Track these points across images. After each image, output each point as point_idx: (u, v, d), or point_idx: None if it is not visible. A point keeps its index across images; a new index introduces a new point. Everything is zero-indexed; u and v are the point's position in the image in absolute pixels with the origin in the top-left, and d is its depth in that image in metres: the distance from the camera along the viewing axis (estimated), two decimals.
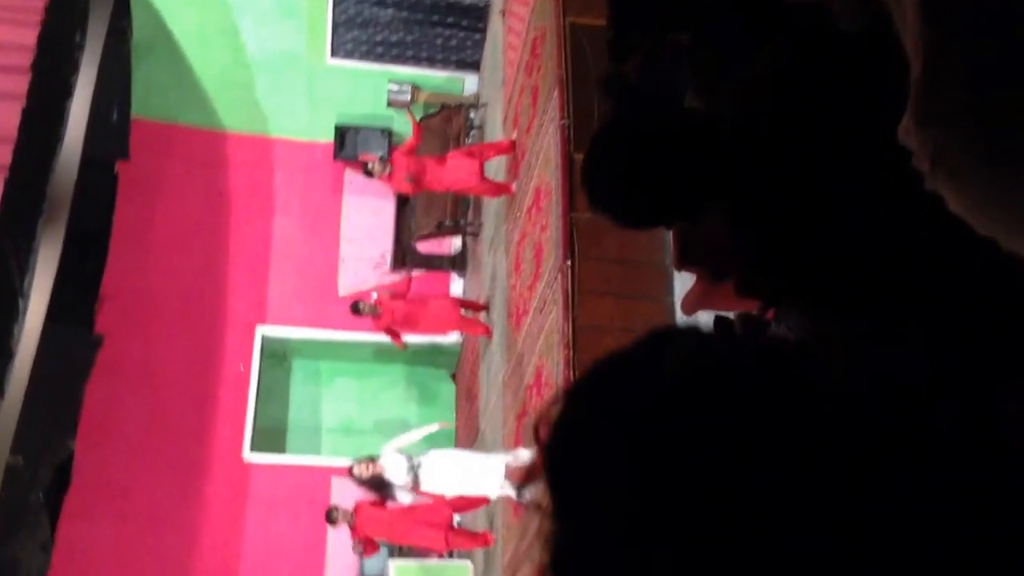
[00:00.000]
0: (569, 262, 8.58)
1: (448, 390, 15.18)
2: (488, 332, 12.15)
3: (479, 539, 10.95)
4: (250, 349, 14.55)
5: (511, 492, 9.45)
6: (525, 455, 9.31)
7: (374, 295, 12.35)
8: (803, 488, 0.76)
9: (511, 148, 11.50)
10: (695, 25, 3.45)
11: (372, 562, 13.12)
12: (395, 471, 9.68)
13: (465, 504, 10.98)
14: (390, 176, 11.45)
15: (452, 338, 14.23)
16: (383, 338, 13.85)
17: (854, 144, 1.75)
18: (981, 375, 0.97)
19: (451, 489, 9.83)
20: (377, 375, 15.36)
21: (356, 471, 9.79)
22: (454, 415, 14.55)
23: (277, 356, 15.23)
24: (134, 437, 13.58)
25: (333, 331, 14.78)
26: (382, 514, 10.60)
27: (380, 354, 15.05)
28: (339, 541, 13.34)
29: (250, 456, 14.04)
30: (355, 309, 12.20)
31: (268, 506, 13.81)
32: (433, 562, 12.70)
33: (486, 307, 12.46)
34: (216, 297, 14.61)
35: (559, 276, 8.70)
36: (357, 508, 10.71)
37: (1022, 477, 0.78)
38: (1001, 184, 0.98)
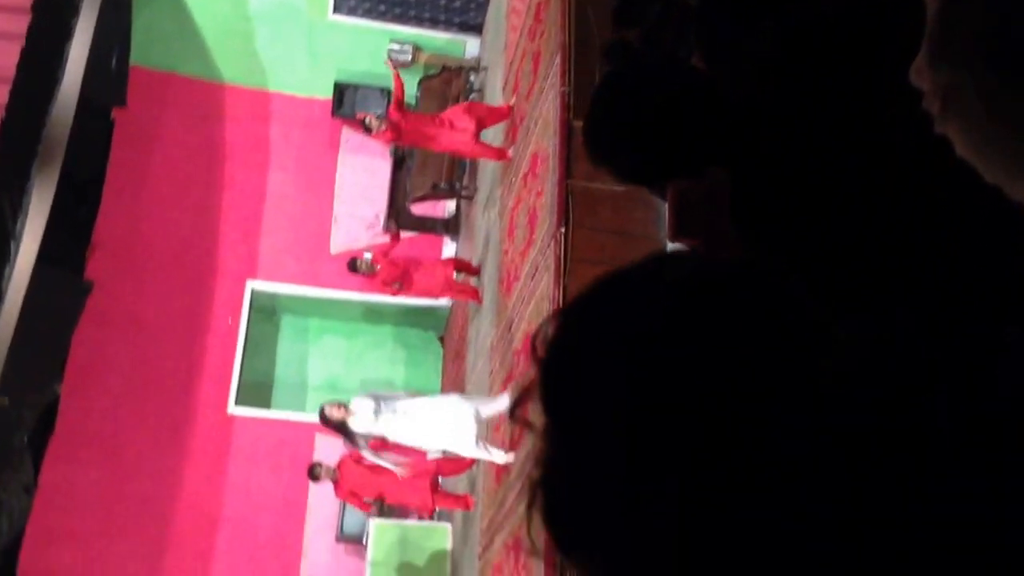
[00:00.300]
0: (563, 229, 8.57)
1: (436, 352, 15.19)
2: (478, 297, 12.15)
3: (460, 501, 10.99)
4: (239, 303, 14.54)
5: (484, 451, 9.55)
6: (501, 404, 9.46)
7: (367, 255, 12.32)
8: (802, 411, 0.76)
9: (508, 113, 11.46)
10: None
11: (352, 520, 13.17)
12: (361, 416, 9.58)
13: (449, 467, 11.08)
14: (387, 132, 11.39)
15: (442, 301, 14.23)
16: (373, 297, 13.88)
17: (861, 107, 1.74)
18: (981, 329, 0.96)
19: (416, 440, 9.81)
20: (365, 334, 15.37)
21: (327, 411, 9.73)
22: (440, 378, 14.58)
23: (266, 311, 15.22)
24: (120, 385, 13.59)
25: (323, 289, 14.77)
26: (365, 471, 10.61)
27: (369, 313, 15.06)
28: (320, 497, 13.41)
29: (234, 409, 14.06)
30: (352, 266, 12.20)
31: (251, 460, 13.84)
32: (413, 523, 12.76)
33: (478, 271, 12.47)
34: (208, 249, 14.58)
35: (552, 243, 8.69)
36: (341, 464, 10.73)
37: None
38: (1014, 122, 0.98)
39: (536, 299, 9.14)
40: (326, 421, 9.78)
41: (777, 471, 0.76)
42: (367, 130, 11.53)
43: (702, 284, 0.86)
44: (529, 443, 0.88)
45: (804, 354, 0.79)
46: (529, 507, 0.85)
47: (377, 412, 9.56)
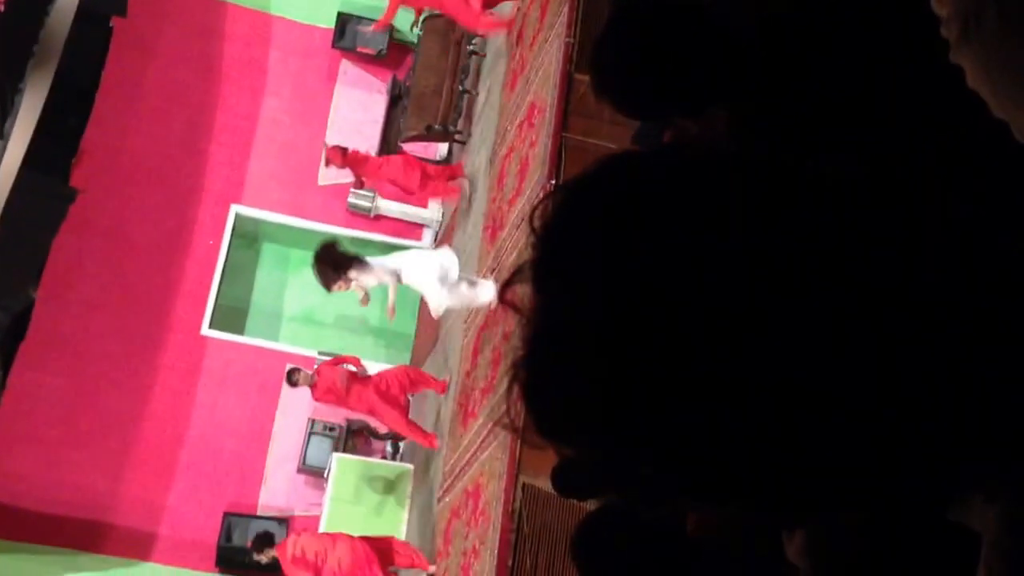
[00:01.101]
0: (553, 181, 8.55)
1: (413, 295, 15.17)
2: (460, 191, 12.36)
3: (427, 438, 11.03)
4: (222, 226, 14.48)
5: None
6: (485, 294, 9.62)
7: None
8: (795, 303, 0.76)
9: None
10: None
11: (315, 452, 13.21)
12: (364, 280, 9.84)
13: (422, 380, 11.39)
14: None
15: (426, 243, 14.22)
16: (356, 233, 13.88)
17: (871, 47, 1.72)
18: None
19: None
20: None
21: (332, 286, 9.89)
22: (415, 320, 14.57)
23: (248, 237, 15.15)
24: (95, 295, 13.55)
25: (307, 220, 14.71)
26: (343, 378, 10.72)
27: (351, 250, 14.98)
28: (286, 427, 13.45)
29: (208, 332, 14.04)
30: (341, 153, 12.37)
31: (220, 383, 13.84)
32: (376, 460, 12.81)
33: (461, 173, 12.62)
34: (195, 168, 14.49)
35: (541, 194, 8.65)
36: (319, 371, 10.81)
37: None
38: None
39: (519, 249, 9.13)
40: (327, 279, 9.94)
41: (761, 363, 0.75)
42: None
43: (709, 167, 0.85)
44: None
45: (807, 243, 0.79)
46: (510, 386, 0.84)
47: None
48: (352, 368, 10.87)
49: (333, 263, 9.67)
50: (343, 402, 10.86)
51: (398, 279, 9.85)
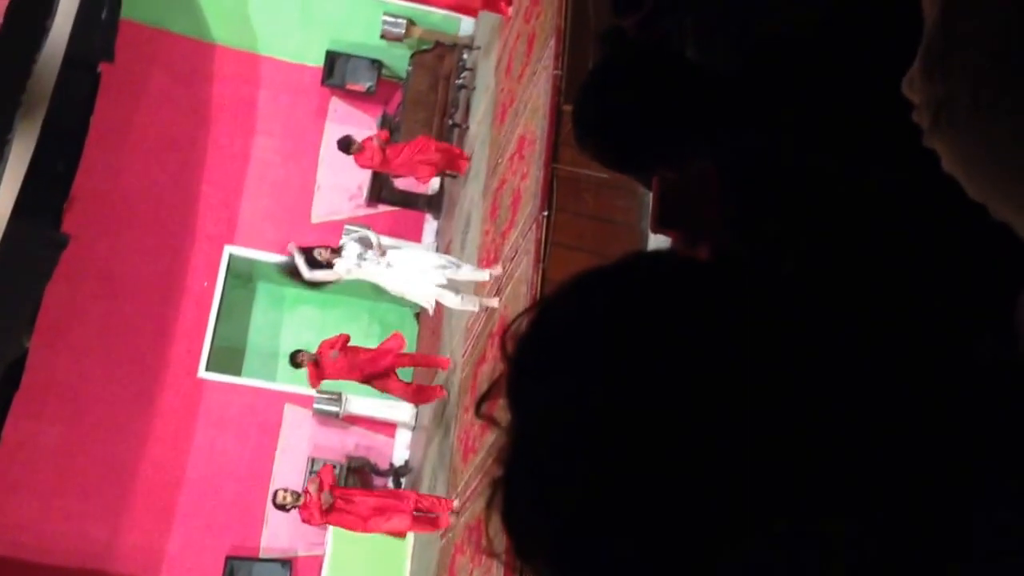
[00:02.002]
0: (546, 213, 8.54)
1: (411, 328, 15.16)
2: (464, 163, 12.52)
3: (433, 390, 11.56)
4: (216, 267, 14.45)
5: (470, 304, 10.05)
6: (481, 274, 9.96)
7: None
8: (781, 419, 0.75)
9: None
10: None
11: None
12: (347, 257, 10.09)
13: (422, 361, 11.88)
14: None
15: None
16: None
17: (852, 108, 1.73)
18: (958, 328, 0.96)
19: (395, 287, 10.33)
20: (341, 306, 15.29)
21: (316, 252, 10.21)
22: (414, 346, 14.54)
23: (242, 277, 15.13)
24: (90, 342, 13.50)
25: None
26: (343, 356, 10.99)
27: (346, 286, 14.95)
28: (286, 466, 13.39)
29: (204, 374, 13.99)
30: (344, 145, 12.40)
31: (218, 426, 13.78)
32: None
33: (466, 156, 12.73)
34: (187, 210, 14.48)
35: (534, 226, 8.66)
36: (320, 350, 11.02)
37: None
38: (1006, 141, 0.96)
39: (514, 281, 9.11)
40: (312, 262, 10.29)
41: (748, 483, 0.74)
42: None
43: (679, 284, 0.83)
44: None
45: (784, 358, 0.77)
46: (488, 505, 0.82)
47: (361, 258, 10.05)
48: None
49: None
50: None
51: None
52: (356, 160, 12.49)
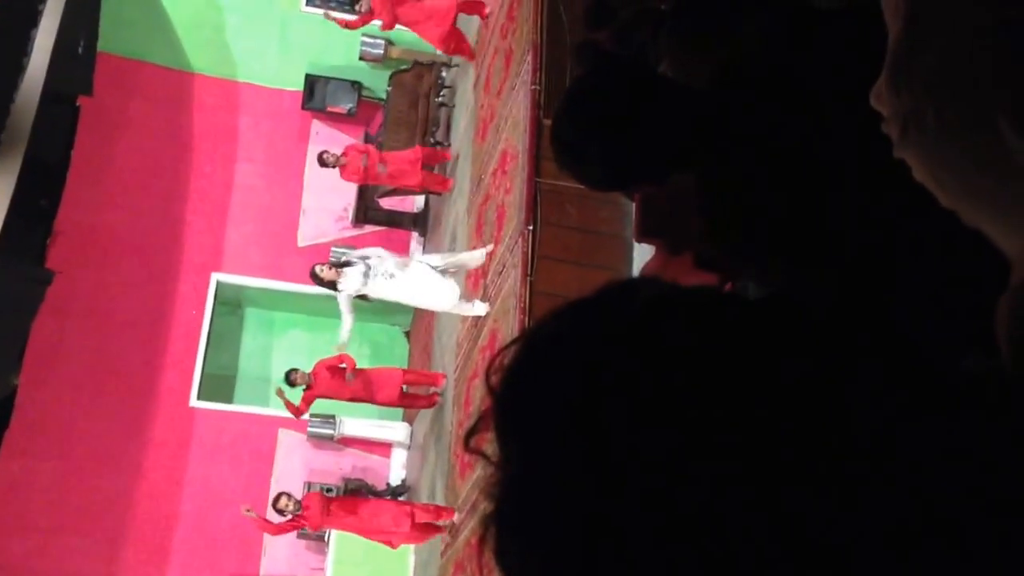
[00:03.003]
0: (531, 227, 8.55)
1: (402, 347, 15.15)
2: (448, 187, 12.50)
3: (426, 399, 11.56)
4: (204, 295, 14.43)
5: (468, 305, 9.98)
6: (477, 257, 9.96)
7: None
8: (762, 454, 0.74)
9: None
10: None
11: None
12: (351, 278, 9.98)
13: (417, 378, 11.75)
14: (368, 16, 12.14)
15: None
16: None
17: (825, 122, 1.74)
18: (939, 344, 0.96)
19: (401, 299, 10.24)
20: (330, 328, 15.22)
21: (319, 270, 10.11)
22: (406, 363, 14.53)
23: (230, 304, 15.12)
24: (79, 376, 13.46)
25: (289, 283, 14.68)
26: (339, 376, 11.01)
27: (335, 307, 14.95)
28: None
29: (196, 403, 13.95)
30: (321, 161, 12.42)
31: (212, 454, 13.75)
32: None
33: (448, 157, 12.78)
34: (172, 240, 14.46)
35: (520, 240, 8.67)
36: (316, 371, 10.99)
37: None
38: (972, 149, 0.97)
39: (503, 296, 9.12)
40: (318, 280, 10.15)
41: (739, 522, 0.72)
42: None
43: (662, 314, 0.83)
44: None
45: (767, 392, 0.76)
46: (480, 542, 0.82)
47: (367, 275, 9.93)
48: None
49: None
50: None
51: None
52: (341, 173, 12.47)
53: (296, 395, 11.08)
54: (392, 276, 9.93)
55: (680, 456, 0.73)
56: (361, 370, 11.32)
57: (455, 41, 12.49)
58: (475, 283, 10.42)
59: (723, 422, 0.74)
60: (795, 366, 0.77)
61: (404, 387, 11.54)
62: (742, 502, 0.72)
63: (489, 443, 0.85)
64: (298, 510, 10.43)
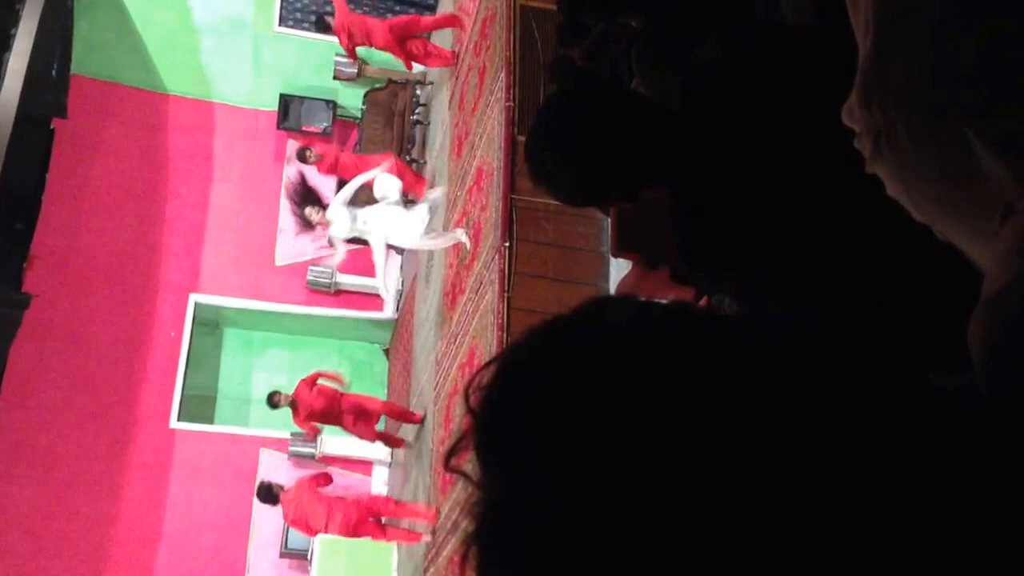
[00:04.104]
0: (507, 244, 8.58)
1: (381, 364, 15.14)
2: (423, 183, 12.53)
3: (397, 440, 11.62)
4: (182, 317, 14.39)
5: (448, 237, 10.33)
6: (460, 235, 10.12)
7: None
8: (747, 471, 0.74)
9: (454, 21, 12.16)
10: (644, 11, 3.46)
11: (296, 535, 13.06)
12: (340, 224, 10.31)
13: (396, 413, 11.80)
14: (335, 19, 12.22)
15: (387, 312, 14.21)
16: (318, 310, 13.82)
17: (797, 135, 1.76)
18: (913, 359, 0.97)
19: (386, 237, 10.51)
20: (310, 347, 15.27)
21: (307, 212, 10.48)
22: (386, 390, 14.51)
23: (209, 324, 15.07)
24: (58, 400, 13.38)
25: (267, 302, 14.66)
26: (320, 394, 11.03)
27: (314, 326, 14.96)
28: (264, 513, 13.29)
29: (176, 424, 13.89)
30: (301, 157, 12.39)
31: (193, 476, 13.68)
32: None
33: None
34: (149, 262, 14.42)
35: (496, 257, 8.69)
36: (297, 391, 11.02)
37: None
38: (944, 163, 0.98)
39: (481, 312, 9.13)
40: (307, 221, 10.58)
41: (724, 546, 0.72)
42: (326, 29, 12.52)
43: (641, 332, 0.83)
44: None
45: (746, 413, 0.76)
46: (462, 560, 0.81)
47: (354, 220, 10.31)
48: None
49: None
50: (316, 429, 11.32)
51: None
52: (319, 168, 12.51)
53: (284, 419, 11.16)
54: (378, 218, 10.34)
55: (660, 477, 0.73)
56: (343, 395, 11.32)
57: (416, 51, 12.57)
58: (452, 301, 10.44)
59: (702, 442, 0.74)
60: (769, 385, 0.77)
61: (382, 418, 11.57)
62: (726, 527, 0.72)
63: (470, 462, 0.85)
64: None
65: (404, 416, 11.65)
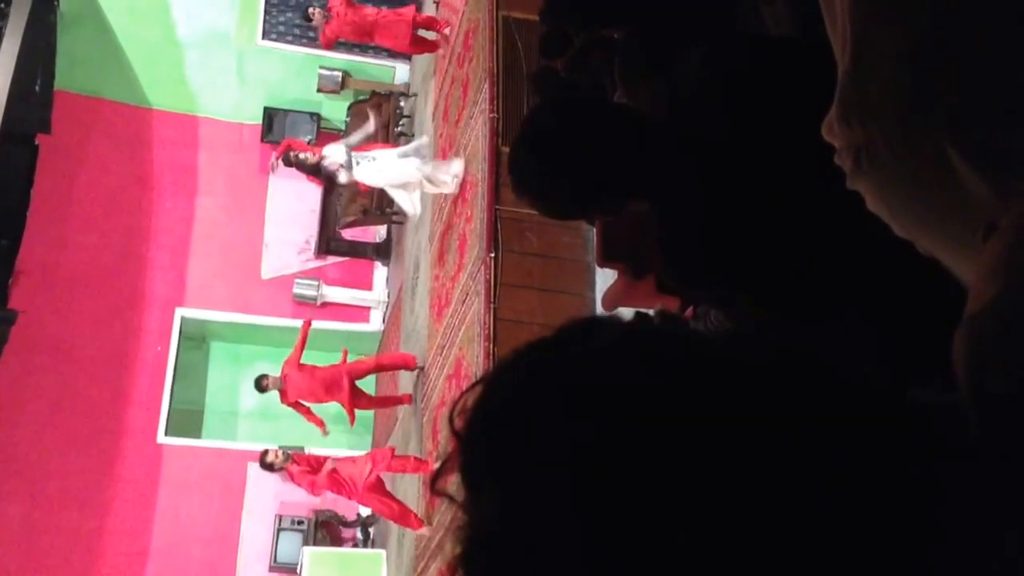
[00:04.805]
0: (493, 254, 8.59)
1: (368, 377, 15.09)
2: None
3: (396, 399, 11.36)
4: (168, 331, 14.36)
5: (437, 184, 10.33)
6: (456, 167, 10.13)
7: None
8: (737, 500, 0.74)
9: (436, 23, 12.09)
10: (626, 22, 3.48)
11: (285, 548, 13.04)
12: (334, 158, 10.40)
13: (387, 362, 11.72)
14: (329, 24, 11.94)
15: (374, 325, 14.19)
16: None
17: (779, 146, 1.76)
18: (895, 372, 0.97)
19: (382, 183, 10.62)
20: None
21: (301, 156, 10.58)
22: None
23: (195, 338, 15.04)
24: (45, 416, 13.33)
25: (254, 315, 14.64)
26: (308, 376, 10.95)
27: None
28: (253, 526, 13.27)
29: (164, 439, 13.85)
30: (307, 17, 12.41)
31: (181, 490, 13.64)
32: (347, 550, 12.66)
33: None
34: (135, 276, 14.39)
35: (482, 268, 8.70)
36: (284, 374, 10.93)
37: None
38: (924, 178, 0.98)
39: (467, 324, 9.13)
40: (301, 165, 10.66)
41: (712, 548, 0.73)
42: (308, 20, 12.30)
43: (625, 357, 0.83)
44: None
45: (733, 434, 0.77)
46: None
47: (349, 156, 10.39)
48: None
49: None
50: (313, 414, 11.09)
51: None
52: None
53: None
54: (374, 159, 10.40)
55: (637, 500, 0.74)
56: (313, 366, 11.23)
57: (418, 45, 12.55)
58: (438, 312, 10.44)
59: (688, 466, 0.74)
60: (749, 405, 0.78)
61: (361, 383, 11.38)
62: (715, 547, 0.73)
63: (455, 484, 0.85)
64: (286, 462, 10.34)
65: (397, 362, 11.59)
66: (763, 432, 0.77)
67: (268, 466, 10.47)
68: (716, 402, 0.78)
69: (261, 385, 10.91)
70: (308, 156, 10.58)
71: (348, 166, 10.38)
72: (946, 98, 0.96)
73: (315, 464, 10.41)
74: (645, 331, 0.87)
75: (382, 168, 10.43)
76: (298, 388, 10.86)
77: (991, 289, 0.90)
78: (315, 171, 10.62)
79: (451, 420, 0.85)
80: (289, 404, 11.05)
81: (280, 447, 12.57)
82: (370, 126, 11.73)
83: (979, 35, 0.95)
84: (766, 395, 0.79)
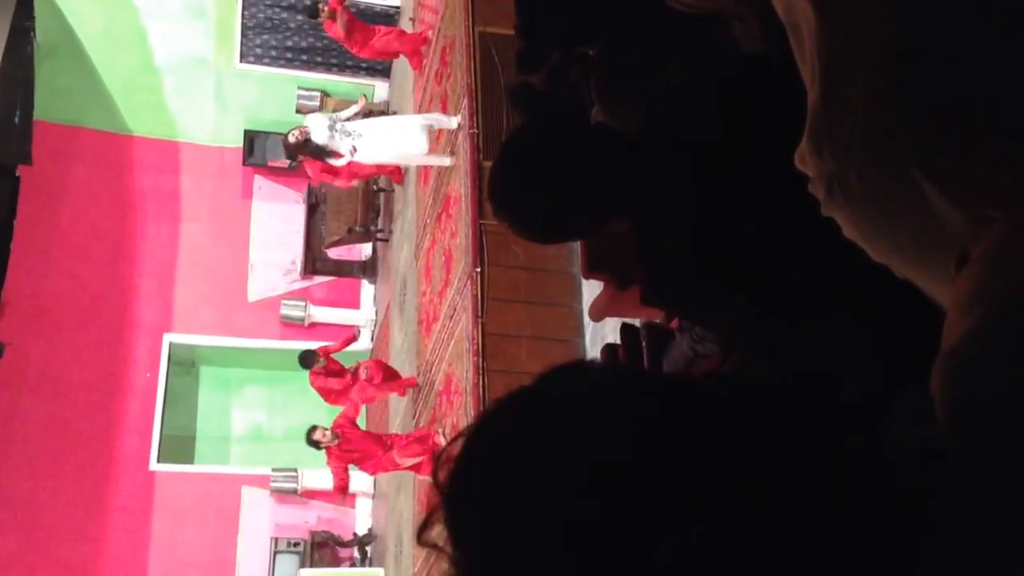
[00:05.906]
0: (479, 269, 8.61)
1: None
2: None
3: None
4: (157, 357, 14.32)
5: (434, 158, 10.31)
6: (445, 120, 10.15)
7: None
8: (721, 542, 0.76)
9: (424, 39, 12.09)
10: (602, 38, 3.50)
11: (283, 571, 13.01)
12: (318, 131, 10.30)
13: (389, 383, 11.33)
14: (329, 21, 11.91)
15: (363, 343, 14.18)
16: (293, 344, 13.77)
17: (753, 163, 1.77)
18: (874, 394, 0.98)
19: (376, 152, 10.53)
20: (287, 382, 15.19)
21: (291, 138, 10.47)
22: (364, 419, 14.47)
23: (185, 364, 15.02)
24: (36, 447, 13.29)
25: (242, 339, 14.62)
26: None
27: (290, 360, 14.89)
28: (249, 551, 13.24)
29: (156, 466, 13.82)
30: (311, 13, 12.22)
31: (175, 517, 13.60)
32: (345, 570, 12.65)
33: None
34: (122, 304, 14.36)
35: (468, 283, 8.72)
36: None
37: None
38: (896, 206, 0.99)
39: (455, 339, 9.15)
40: (298, 149, 10.57)
41: None
42: (314, 16, 12.11)
43: (607, 407, 0.83)
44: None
45: (719, 483, 0.77)
46: None
47: (332, 129, 10.31)
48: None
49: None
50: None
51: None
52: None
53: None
54: (361, 136, 10.32)
55: (626, 548, 0.75)
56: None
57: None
58: (427, 328, 10.46)
59: (674, 518, 0.75)
60: (736, 447, 0.79)
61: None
62: None
63: (441, 534, 0.85)
64: (334, 440, 10.01)
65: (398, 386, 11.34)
66: (745, 493, 0.77)
67: (314, 443, 10.16)
68: (696, 457, 0.78)
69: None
70: (296, 135, 10.40)
71: (332, 130, 10.30)
72: (916, 126, 0.96)
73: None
74: (628, 377, 0.89)
75: (387, 133, 10.44)
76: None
77: (966, 322, 0.90)
78: (317, 152, 10.44)
79: (435, 473, 0.85)
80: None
81: (273, 470, 12.56)
82: (360, 104, 11.73)
83: (947, 63, 0.96)
84: (744, 453, 0.79)
